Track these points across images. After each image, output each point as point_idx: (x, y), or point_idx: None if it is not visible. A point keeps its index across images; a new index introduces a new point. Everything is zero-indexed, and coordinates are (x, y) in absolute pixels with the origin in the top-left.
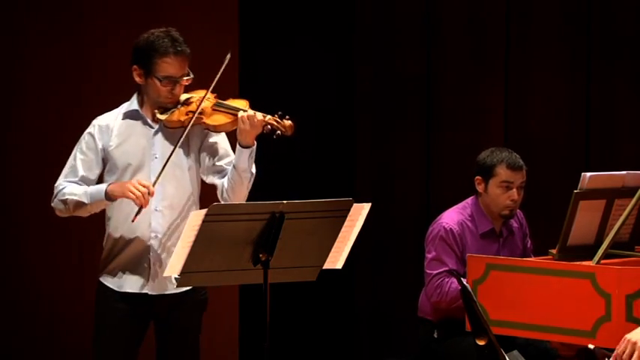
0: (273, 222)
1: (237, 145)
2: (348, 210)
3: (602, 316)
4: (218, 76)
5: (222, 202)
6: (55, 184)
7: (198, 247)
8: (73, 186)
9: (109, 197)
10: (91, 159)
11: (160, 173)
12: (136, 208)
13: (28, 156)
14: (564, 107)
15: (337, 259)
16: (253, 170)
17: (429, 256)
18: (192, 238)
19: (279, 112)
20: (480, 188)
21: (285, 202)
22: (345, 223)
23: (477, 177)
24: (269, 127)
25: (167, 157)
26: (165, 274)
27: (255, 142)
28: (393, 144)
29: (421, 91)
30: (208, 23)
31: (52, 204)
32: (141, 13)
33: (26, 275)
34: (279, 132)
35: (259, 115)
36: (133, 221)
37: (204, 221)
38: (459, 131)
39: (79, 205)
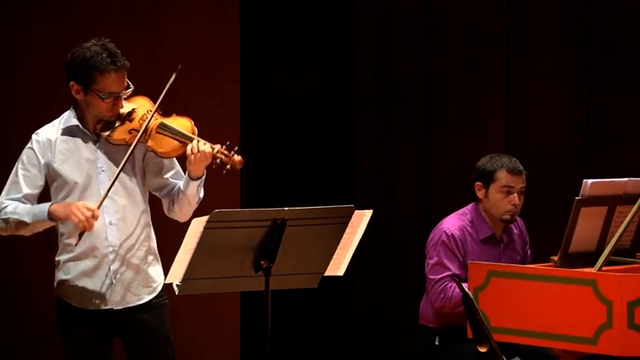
0: (274, 229)
1: (187, 175)
2: (350, 217)
3: (603, 323)
4: (163, 94)
5: (171, 215)
6: None
7: (200, 255)
8: (15, 204)
9: (52, 218)
10: (34, 174)
11: (105, 197)
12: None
13: None
14: (565, 114)
15: (339, 266)
16: (201, 195)
17: (430, 261)
18: (193, 246)
19: (228, 143)
20: (480, 194)
21: (286, 208)
22: (347, 230)
23: (477, 183)
24: (218, 161)
25: (113, 172)
26: (167, 281)
27: (205, 171)
28: (394, 151)
29: (422, 98)
30: (209, 28)
31: None
32: (141, 10)
33: (27, 277)
34: (228, 167)
35: (208, 147)
36: (75, 244)
37: (205, 228)
38: (459, 138)
39: (21, 224)
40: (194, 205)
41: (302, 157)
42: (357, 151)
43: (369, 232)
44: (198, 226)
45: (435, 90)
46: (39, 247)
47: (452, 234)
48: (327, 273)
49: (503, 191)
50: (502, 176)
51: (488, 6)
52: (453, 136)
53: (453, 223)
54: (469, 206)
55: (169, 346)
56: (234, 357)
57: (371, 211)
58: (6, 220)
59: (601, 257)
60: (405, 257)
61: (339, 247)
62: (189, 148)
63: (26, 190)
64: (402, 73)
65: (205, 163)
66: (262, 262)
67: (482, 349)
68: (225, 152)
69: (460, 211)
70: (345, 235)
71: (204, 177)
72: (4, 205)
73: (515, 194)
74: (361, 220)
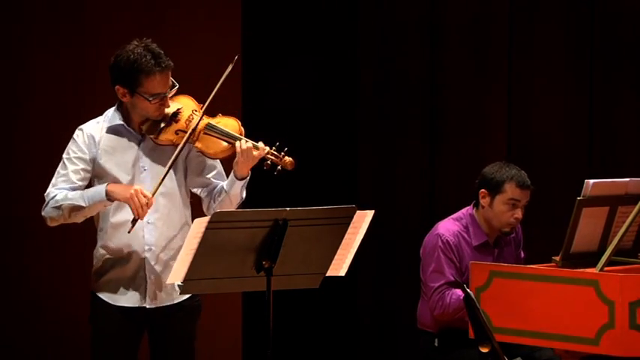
0: (276, 229)
1: (232, 175)
2: (351, 217)
3: (605, 324)
4: (212, 95)
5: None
6: (45, 193)
7: (201, 255)
8: (65, 192)
9: (110, 198)
10: (82, 167)
11: (158, 187)
12: (130, 218)
13: (33, 160)
14: (567, 114)
15: (340, 266)
16: (244, 196)
17: (429, 268)
18: (195, 246)
19: (277, 144)
20: (484, 202)
21: (288, 209)
22: (349, 231)
23: (483, 190)
24: (268, 162)
25: (156, 172)
26: (168, 281)
27: (250, 172)
28: (396, 152)
29: (424, 99)
30: (211, 31)
31: (43, 213)
32: (143, 20)
33: (30, 277)
34: (279, 167)
35: (257, 148)
36: (129, 232)
37: (207, 228)
38: (461, 139)
39: (76, 209)
40: (235, 206)
41: (304, 157)
42: (359, 152)
43: (371, 233)
44: (199, 226)
45: (437, 91)
46: (40, 246)
47: (447, 240)
48: (329, 273)
49: (509, 204)
50: (511, 189)
51: (490, 7)
52: (455, 137)
53: (447, 228)
54: (464, 210)
55: (191, 345)
56: (236, 357)
57: (372, 211)
58: (59, 207)
59: (603, 257)
60: (407, 258)
61: (340, 247)
62: (237, 145)
63: (75, 181)
64: (404, 73)
65: (252, 164)
66: (264, 263)
67: (484, 350)
68: (275, 153)
69: (455, 216)
70: (346, 236)
71: (248, 178)
72: (54, 195)
73: (520, 208)
74: (363, 220)
